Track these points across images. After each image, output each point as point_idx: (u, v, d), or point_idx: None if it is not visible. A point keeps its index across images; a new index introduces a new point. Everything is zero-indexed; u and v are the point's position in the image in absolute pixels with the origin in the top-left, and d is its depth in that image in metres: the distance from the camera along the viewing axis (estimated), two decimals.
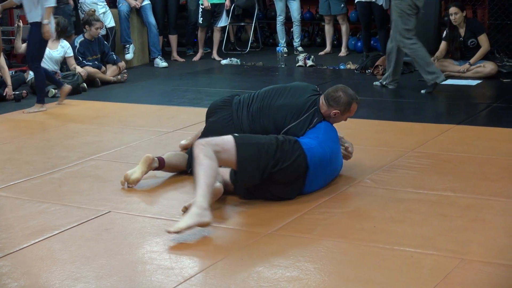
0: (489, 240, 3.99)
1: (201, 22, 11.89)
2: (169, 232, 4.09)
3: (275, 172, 4.63)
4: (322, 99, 5.08)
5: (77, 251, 4.02)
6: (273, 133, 4.98)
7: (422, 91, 8.54)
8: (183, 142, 5.81)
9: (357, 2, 11.00)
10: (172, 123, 7.12)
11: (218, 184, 4.62)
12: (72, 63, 9.54)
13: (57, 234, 4.27)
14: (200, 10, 11.83)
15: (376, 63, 9.86)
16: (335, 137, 5.05)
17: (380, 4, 10.67)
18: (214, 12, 11.88)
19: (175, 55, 12.07)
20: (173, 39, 12.09)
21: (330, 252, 3.95)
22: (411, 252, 3.85)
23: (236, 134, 4.70)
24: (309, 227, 4.27)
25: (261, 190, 4.71)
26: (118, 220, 4.51)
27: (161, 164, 5.25)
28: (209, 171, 4.35)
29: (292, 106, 5.12)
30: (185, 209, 4.44)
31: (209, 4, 11.71)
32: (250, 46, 12.95)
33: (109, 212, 4.62)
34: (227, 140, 4.59)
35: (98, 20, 9.88)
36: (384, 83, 8.93)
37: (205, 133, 5.20)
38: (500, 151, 5.76)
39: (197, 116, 7.34)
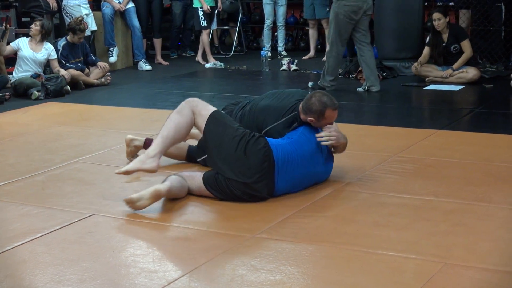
0: (471, 245, 4.01)
1: (205, 25, 11.85)
2: (116, 173, 4.86)
3: (237, 159, 4.69)
4: (300, 106, 5.09)
5: (60, 254, 4.00)
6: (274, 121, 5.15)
7: (310, 84, 9.39)
8: None
9: None
10: (156, 127, 7.04)
11: (162, 186, 4.67)
12: (56, 65, 9.52)
13: (40, 237, 4.25)
14: (201, 13, 11.78)
15: (360, 68, 9.87)
16: (313, 140, 5.01)
17: None
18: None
19: (159, 58, 12.06)
20: (158, 42, 12.08)
21: (314, 256, 3.96)
22: (394, 256, 3.86)
23: (220, 110, 4.91)
24: (293, 231, 4.27)
25: (230, 188, 4.73)
26: (102, 223, 4.50)
27: (147, 144, 5.55)
28: (170, 124, 4.79)
29: (274, 108, 5.21)
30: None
31: (209, 7, 11.71)
32: (234, 50, 12.96)
33: (93, 215, 4.61)
34: (207, 109, 4.84)
35: (83, 31, 9.82)
36: (366, 88, 8.98)
37: None
38: (482, 156, 5.79)
39: None
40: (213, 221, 4.54)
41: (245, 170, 4.71)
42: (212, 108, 4.86)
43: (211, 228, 4.41)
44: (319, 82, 9.27)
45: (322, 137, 5.00)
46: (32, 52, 9.36)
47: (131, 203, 4.57)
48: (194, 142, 5.73)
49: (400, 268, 3.73)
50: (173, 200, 4.79)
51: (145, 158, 4.75)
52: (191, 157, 5.65)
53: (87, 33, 10.40)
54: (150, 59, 11.87)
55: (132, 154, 5.77)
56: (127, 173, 4.86)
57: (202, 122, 4.80)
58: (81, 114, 7.95)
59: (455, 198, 4.79)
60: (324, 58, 11.82)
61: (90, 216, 4.59)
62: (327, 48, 9.38)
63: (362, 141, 6.33)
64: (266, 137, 4.87)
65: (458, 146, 6.18)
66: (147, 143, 5.60)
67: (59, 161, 5.87)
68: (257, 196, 4.77)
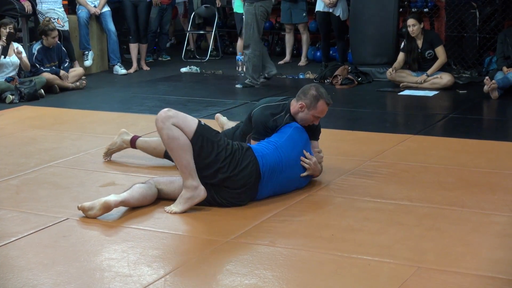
0: (444, 249, 4.05)
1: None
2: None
3: (225, 179, 4.67)
4: (293, 99, 5.20)
5: (34, 258, 3.99)
6: (248, 125, 5.27)
7: (238, 85, 9.91)
8: (221, 117, 6.44)
9: (316, 12, 11.10)
10: (132, 131, 7.01)
11: (113, 199, 4.64)
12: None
13: (14, 241, 4.24)
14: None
15: (335, 73, 9.93)
16: (300, 144, 5.08)
17: (337, 15, 10.77)
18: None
19: (143, 63, 11.94)
20: (143, 47, 11.96)
21: (289, 260, 3.97)
22: (368, 260, 3.89)
23: (200, 122, 4.78)
24: (268, 235, 4.29)
25: (212, 195, 4.73)
26: (76, 227, 4.49)
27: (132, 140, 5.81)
28: (180, 152, 4.64)
29: (264, 100, 5.41)
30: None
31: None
32: (209, 54, 12.96)
33: (67, 219, 4.60)
34: (188, 125, 4.69)
35: (53, 29, 9.76)
36: (266, 75, 10.02)
37: None
38: (455, 161, 5.84)
39: None
40: (188, 225, 4.53)
41: (231, 183, 4.74)
42: (193, 124, 4.72)
43: (186, 232, 4.42)
44: (246, 81, 9.91)
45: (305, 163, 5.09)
46: (8, 57, 9.32)
47: (83, 210, 4.60)
48: None
49: (374, 272, 3.76)
50: (148, 205, 4.79)
51: (190, 194, 4.67)
52: (168, 155, 5.62)
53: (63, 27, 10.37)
54: (126, 63, 11.82)
55: (115, 148, 5.95)
56: (83, 209, 4.62)
57: (188, 136, 4.70)
58: (55, 118, 7.92)
59: (429, 202, 4.84)
60: (301, 63, 11.94)
61: (64, 220, 4.58)
62: (250, 49, 9.78)
63: (337, 146, 6.36)
64: (252, 147, 4.89)
65: (432, 151, 6.23)
66: (133, 140, 5.84)
67: (33, 165, 5.85)
68: (239, 204, 4.79)
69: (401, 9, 11.01)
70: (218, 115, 6.49)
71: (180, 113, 4.74)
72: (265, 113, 5.16)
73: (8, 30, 9.33)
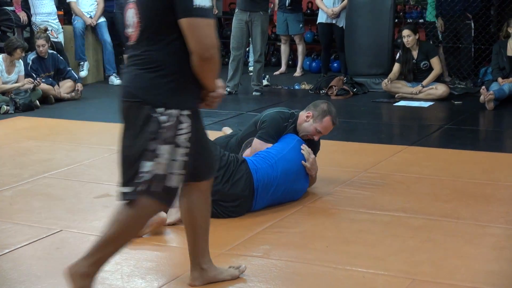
0: (439, 261, 4.04)
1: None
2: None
3: (216, 191, 4.61)
4: (302, 111, 5.30)
5: (27, 270, 3.97)
6: (253, 131, 5.25)
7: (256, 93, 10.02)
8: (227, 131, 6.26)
9: (318, 23, 11.15)
10: None
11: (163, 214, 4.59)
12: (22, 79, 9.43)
13: (7, 253, 4.22)
14: None
15: (331, 84, 9.92)
16: (302, 158, 5.08)
17: (340, 26, 10.80)
18: None
19: None
20: None
21: (283, 272, 3.95)
22: (363, 273, 3.88)
23: None
24: (262, 247, 4.27)
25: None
26: (70, 239, 4.47)
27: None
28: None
29: (272, 109, 5.47)
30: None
31: None
32: None
33: (61, 230, 4.57)
34: None
35: (38, 38, 9.73)
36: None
37: None
38: (450, 173, 5.83)
39: None
40: (181, 237, 4.49)
41: (222, 196, 4.72)
42: None
43: (180, 244, 4.38)
44: (258, 88, 10.12)
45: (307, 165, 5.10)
46: (6, 75, 9.28)
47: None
48: None
49: (369, 284, 3.74)
50: None
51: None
52: None
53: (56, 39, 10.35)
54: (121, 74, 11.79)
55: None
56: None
57: None
58: (50, 128, 7.91)
59: (424, 214, 4.83)
60: (297, 73, 11.94)
61: (58, 232, 4.56)
62: (263, 56, 10.16)
63: (332, 157, 6.34)
64: (247, 160, 4.87)
65: (427, 162, 6.22)
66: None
67: (27, 176, 5.83)
68: (235, 216, 4.77)
69: (396, 20, 11.03)
70: (225, 128, 6.46)
71: None
72: (279, 116, 5.24)
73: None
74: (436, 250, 4.19)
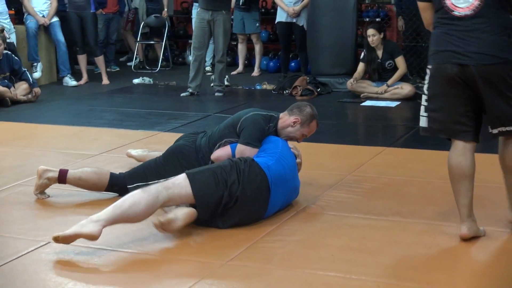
0: (451, 267, 3.93)
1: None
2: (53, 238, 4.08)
3: (239, 196, 4.44)
4: (283, 113, 5.12)
5: (22, 286, 3.73)
6: (231, 134, 5.03)
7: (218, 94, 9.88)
8: (132, 152, 5.96)
9: (277, 22, 11.00)
10: (96, 146, 6.83)
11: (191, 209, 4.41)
12: None
13: None
14: None
15: (295, 84, 9.81)
16: (291, 155, 4.96)
17: (301, 25, 10.68)
18: None
19: (104, 77, 11.47)
20: (100, 60, 11.51)
21: (290, 282, 3.80)
22: (377, 282, 3.75)
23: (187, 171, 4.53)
24: (266, 257, 4.10)
25: (219, 219, 4.52)
26: (61, 252, 4.19)
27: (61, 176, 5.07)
28: (129, 197, 4.23)
29: (248, 110, 5.22)
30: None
31: None
32: (160, 65, 12.71)
33: (48, 243, 4.30)
34: (178, 177, 4.43)
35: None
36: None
37: (168, 152, 5.28)
38: (437, 175, 5.73)
39: (120, 138, 7.12)
40: (180, 248, 4.29)
41: (245, 201, 4.51)
42: (181, 175, 4.44)
43: (180, 255, 4.18)
44: (220, 88, 9.95)
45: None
46: None
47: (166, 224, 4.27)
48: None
49: None
50: (132, 225, 4.53)
51: (86, 222, 4.11)
52: (113, 186, 5.16)
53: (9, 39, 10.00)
54: (76, 74, 11.49)
55: (43, 188, 5.16)
56: (64, 240, 4.09)
57: (185, 186, 4.36)
58: (13, 133, 7.57)
59: (422, 218, 4.72)
60: (255, 73, 11.81)
61: (46, 244, 4.28)
62: (225, 57, 9.98)
63: (312, 159, 6.17)
64: (254, 159, 4.69)
65: (410, 164, 6.14)
66: (62, 175, 5.12)
67: (1, 184, 5.54)
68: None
69: (358, 19, 10.98)
70: (129, 151, 6.07)
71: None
72: (261, 119, 5.03)
73: None
74: (445, 256, 4.09)
